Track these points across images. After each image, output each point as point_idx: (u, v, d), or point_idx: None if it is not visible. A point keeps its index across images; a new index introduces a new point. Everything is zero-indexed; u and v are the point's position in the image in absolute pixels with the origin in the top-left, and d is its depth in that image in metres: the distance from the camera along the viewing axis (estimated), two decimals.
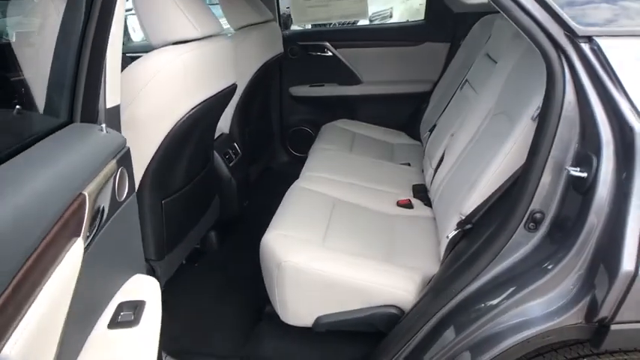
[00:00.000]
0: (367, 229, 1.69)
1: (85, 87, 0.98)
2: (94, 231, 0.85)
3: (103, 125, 0.97)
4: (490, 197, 1.32)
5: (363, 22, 3.36)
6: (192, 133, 1.63)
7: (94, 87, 0.99)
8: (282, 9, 2.91)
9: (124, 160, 0.98)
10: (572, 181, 1.04)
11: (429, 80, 2.79)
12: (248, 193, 2.42)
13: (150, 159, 1.45)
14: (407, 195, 1.98)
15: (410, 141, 2.66)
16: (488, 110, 1.68)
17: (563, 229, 1.07)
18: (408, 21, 3.83)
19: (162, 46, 1.48)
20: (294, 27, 3.07)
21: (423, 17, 2.86)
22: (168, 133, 1.45)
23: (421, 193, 2.00)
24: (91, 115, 0.99)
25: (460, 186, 1.53)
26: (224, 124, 2.24)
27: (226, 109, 2.13)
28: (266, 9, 2.50)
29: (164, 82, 1.39)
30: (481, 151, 1.54)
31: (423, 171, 2.19)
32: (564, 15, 1.00)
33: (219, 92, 1.66)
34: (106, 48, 1.00)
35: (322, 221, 1.68)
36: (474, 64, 2.09)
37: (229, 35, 2.23)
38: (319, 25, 3.08)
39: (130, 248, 1.08)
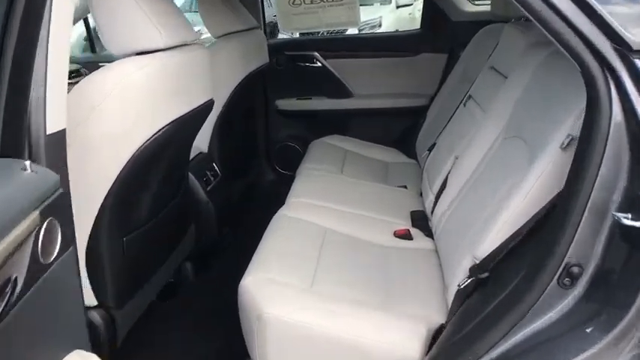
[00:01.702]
0: (361, 267, 1.48)
1: (4, 111, 0.75)
2: None
3: (27, 163, 0.75)
4: (509, 240, 1.11)
5: (354, 31, 3.18)
6: (161, 157, 1.41)
7: (17, 111, 0.77)
8: (268, 16, 2.71)
9: (55, 207, 0.76)
10: (620, 228, 0.84)
11: (426, 94, 2.60)
12: (229, 217, 2.20)
13: (106, 191, 1.23)
14: (405, 223, 1.77)
15: (405, 159, 2.46)
16: (499, 132, 1.48)
17: (609, 287, 0.87)
18: (397, 30, 3.67)
19: (125, 56, 1.26)
20: (282, 35, 2.87)
21: (418, 26, 2.69)
22: (130, 159, 1.23)
23: (420, 221, 1.79)
24: (12, 148, 0.77)
25: (470, 221, 1.32)
26: (202, 141, 2.02)
27: (204, 126, 1.92)
28: (250, 16, 2.29)
29: (123, 98, 1.17)
30: (493, 181, 1.34)
31: (421, 194, 1.99)
32: (615, 24, 0.80)
33: (193, 110, 1.45)
34: (33, 60, 0.78)
35: (310, 259, 1.46)
36: (478, 78, 1.90)
37: (208, 45, 2.02)
38: (308, 33, 2.88)
39: (66, 318, 0.85)
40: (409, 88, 2.63)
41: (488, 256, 1.14)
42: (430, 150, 2.04)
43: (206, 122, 1.88)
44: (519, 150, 1.29)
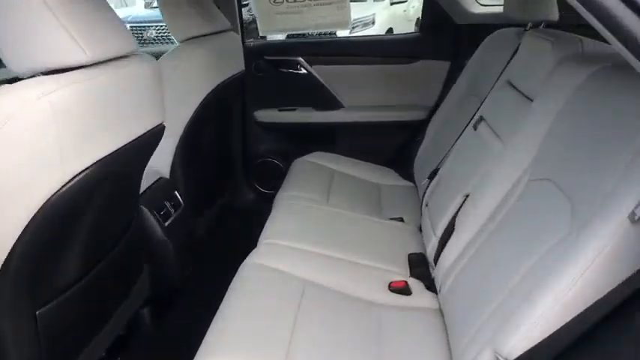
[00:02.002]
0: (348, 334, 1.18)
1: None
2: None
3: None
4: (553, 339, 0.81)
5: (344, 33, 2.86)
6: (90, 201, 1.09)
7: None
8: (246, 15, 2.39)
9: None
10: None
11: (424, 106, 2.29)
12: (197, 251, 1.89)
13: (6, 254, 0.91)
14: (402, 271, 1.47)
15: (400, 181, 2.15)
16: (523, 170, 1.18)
17: None
18: (392, 32, 3.35)
19: (31, 76, 0.94)
20: (263, 38, 2.54)
21: (413, 24, 2.37)
22: (38, 212, 0.91)
23: (420, 267, 1.49)
24: None
25: (487, 291, 1.02)
26: (161, 165, 1.70)
27: (164, 147, 1.61)
28: (222, 16, 1.97)
29: (19, 134, 0.85)
30: (519, 239, 1.03)
31: (420, 230, 1.69)
32: None
33: (133, 140, 1.13)
34: None
35: (283, 327, 1.15)
36: (490, 95, 1.59)
37: (163, 54, 1.70)
38: (292, 35, 2.56)
39: None
40: (406, 100, 2.32)
41: (521, 357, 0.84)
42: (431, 178, 1.74)
43: (166, 143, 1.58)
44: (554, 200, 0.98)
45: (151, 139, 1.22)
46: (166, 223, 1.59)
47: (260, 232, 1.63)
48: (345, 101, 2.36)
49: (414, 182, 2.09)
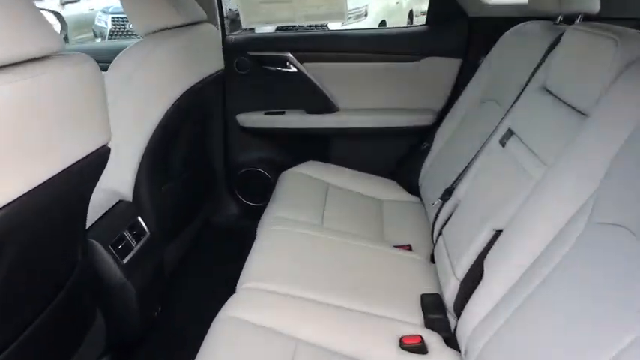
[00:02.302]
0: None
1: None
2: None
3: None
4: None
5: (337, 26, 2.56)
6: (6, 246, 0.80)
7: None
8: (229, 6, 2.08)
9: None
10: None
11: (431, 110, 2.01)
12: (168, 286, 1.61)
13: None
14: (414, 317, 1.20)
15: (404, 195, 1.88)
16: (579, 207, 0.90)
17: None
18: (382, 24, 3.06)
19: None
20: (247, 31, 2.24)
21: (406, 17, 2.08)
22: None
23: (437, 314, 1.21)
24: None
25: None
26: (121, 185, 1.41)
27: (122, 163, 1.33)
28: (196, 5, 1.67)
29: None
30: (587, 307, 0.76)
31: (432, 259, 1.42)
32: None
33: (68, 167, 0.84)
34: None
35: None
36: (519, 104, 1.31)
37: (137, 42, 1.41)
38: (280, 28, 2.26)
39: None
40: (410, 103, 2.03)
41: None
42: (444, 199, 1.46)
43: (127, 157, 1.30)
44: (633, 254, 0.72)
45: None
46: (126, 260, 1.30)
47: (246, 254, 1.36)
48: (341, 104, 2.07)
49: (420, 197, 1.82)
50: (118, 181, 1.40)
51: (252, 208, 2.22)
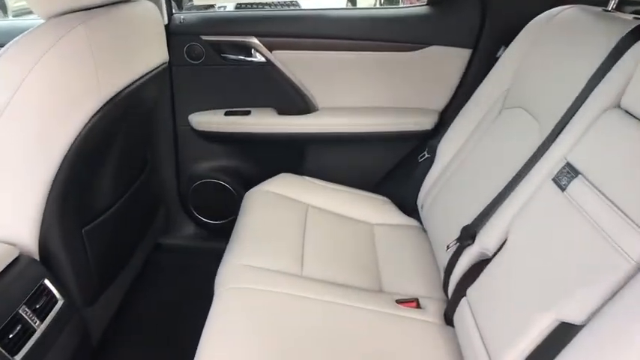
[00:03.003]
0: None
1: None
2: None
3: None
4: None
5: (312, 3, 2.12)
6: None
7: None
8: None
9: None
10: None
11: (431, 111, 1.65)
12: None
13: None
14: None
15: (398, 217, 1.51)
16: None
17: None
18: (384, 4, 2.61)
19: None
20: (201, 8, 1.79)
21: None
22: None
23: None
24: None
25: None
26: (20, 235, 0.99)
27: (18, 208, 0.94)
28: None
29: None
30: None
31: (446, 320, 1.08)
32: None
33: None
34: None
35: None
36: (577, 126, 0.95)
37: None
38: (241, 6, 1.81)
39: None
40: (406, 101, 1.65)
41: None
42: (464, 244, 1.10)
43: (25, 197, 0.91)
44: None
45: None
46: (20, 356, 0.89)
47: (205, 295, 1.09)
48: (320, 103, 1.67)
49: (419, 219, 1.47)
50: (13, 228, 0.99)
51: (211, 227, 1.82)
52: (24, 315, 0.92)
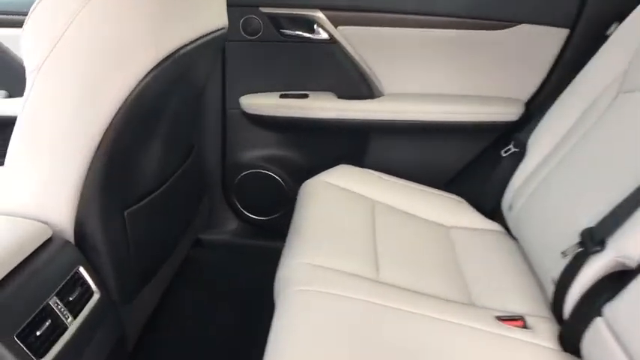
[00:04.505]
0: None
1: None
2: None
3: None
4: None
5: None
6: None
7: None
8: None
9: None
10: None
11: (516, 100, 1.44)
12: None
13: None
14: None
15: (478, 220, 1.31)
16: None
17: None
18: None
19: None
20: None
21: None
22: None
23: None
24: None
25: None
26: (54, 213, 0.83)
27: (53, 182, 0.76)
28: None
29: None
30: None
31: (563, 341, 0.87)
32: None
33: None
34: None
35: None
36: None
37: None
38: None
39: None
40: (488, 88, 1.45)
41: None
42: (591, 250, 0.89)
43: (62, 170, 0.75)
44: None
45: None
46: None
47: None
48: (387, 87, 1.49)
49: (501, 221, 1.27)
50: (47, 204, 0.82)
51: (257, 223, 1.65)
52: (55, 308, 0.75)
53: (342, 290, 0.91)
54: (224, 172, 1.59)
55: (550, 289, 0.96)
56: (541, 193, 1.13)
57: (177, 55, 0.89)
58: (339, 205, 1.24)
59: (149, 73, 0.82)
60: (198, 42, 0.98)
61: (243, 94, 1.51)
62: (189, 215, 1.35)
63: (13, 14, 1.60)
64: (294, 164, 1.56)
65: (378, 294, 0.92)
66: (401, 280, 1.01)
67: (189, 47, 0.92)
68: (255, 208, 1.63)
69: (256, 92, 1.51)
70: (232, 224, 1.65)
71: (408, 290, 0.98)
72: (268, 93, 1.50)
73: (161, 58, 0.82)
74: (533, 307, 0.99)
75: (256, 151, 1.57)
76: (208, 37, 1.03)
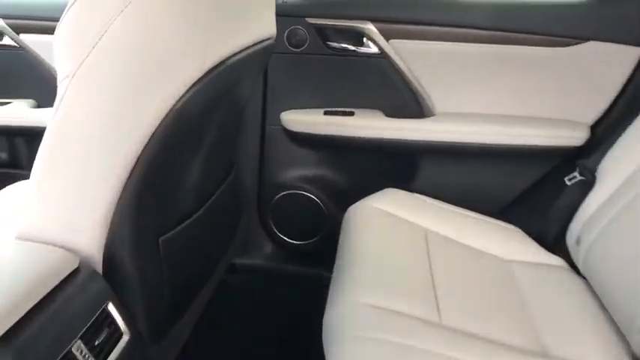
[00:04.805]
0: None
1: None
2: None
3: None
4: None
5: None
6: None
7: None
8: None
9: None
10: None
11: (581, 123, 1.33)
12: None
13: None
14: None
15: (541, 254, 1.19)
16: None
17: None
18: None
19: None
20: None
21: None
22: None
23: None
24: None
25: None
26: (82, 239, 0.74)
27: (82, 204, 0.67)
28: None
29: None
30: None
31: None
32: None
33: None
34: None
35: None
36: None
37: None
38: None
39: None
40: (550, 110, 1.34)
41: None
42: None
43: (94, 192, 0.65)
44: None
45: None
46: None
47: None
48: (439, 105, 1.39)
49: (567, 257, 1.15)
50: (73, 231, 0.74)
51: (293, 247, 1.55)
52: (78, 355, 0.65)
53: (406, 338, 0.80)
54: (260, 191, 1.50)
55: (636, 338, 0.84)
56: (619, 228, 1.01)
57: (224, 65, 0.80)
58: (390, 234, 1.13)
59: (195, 84, 0.73)
60: (247, 52, 0.90)
61: (285, 110, 1.42)
62: (227, 239, 1.26)
63: (44, 20, 1.55)
64: (335, 186, 1.47)
65: (447, 343, 0.82)
66: (466, 324, 0.90)
67: (237, 57, 0.84)
68: (292, 231, 1.53)
69: (298, 108, 1.42)
70: (266, 247, 1.56)
71: (476, 337, 0.87)
72: (311, 109, 1.41)
73: (207, 69, 0.74)
74: (616, 359, 0.87)
75: (295, 171, 1.48)
76: (257, 47, 0.95)
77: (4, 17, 1.59)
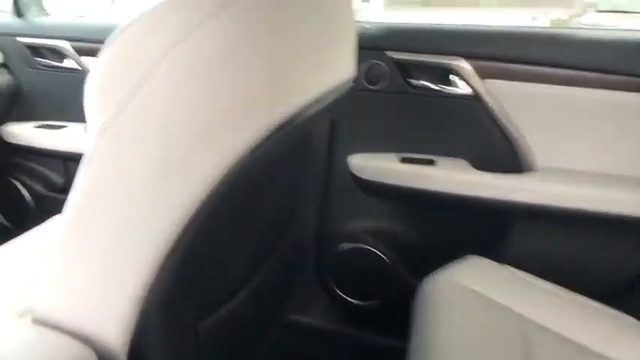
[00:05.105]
0: None
1: None
2: None
3: None
4: None
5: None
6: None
7: None
8: None
9: None
10: None
11: None
12: None
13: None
14: None
15: None
16: None
17: None
18: None
19: None
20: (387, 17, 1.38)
21: None
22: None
23: None
24: None
25: None
26: (107, 330, 0.58)
27: (110, 287, 0.49)
28: None
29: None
30: None
31: None
32: None
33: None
34: None
35: None
36: None
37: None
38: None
39: None
40: None
41: None
42: None
43: (124, 273, 0.48)
44: None
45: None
46: None
47: None
48: (541, 159, 1.16)
49: None
50: (93, 320, 0.58)
51: (350, 306, 1.35)
52: None
53: None
54: (319, 243, 1.32)
55: None
56: None
57: (294, 122, 0.63)
58: (479, 321, 0.91)
59: (259, 144, 0.56)
60: (324, 100, 0.72)
61: (353, 153, 1.24)
62: (281, 302, 1.09)
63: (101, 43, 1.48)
64: (405, 243, 1.26)
65: None
66: None
67: (313, 108, 0.67)
68: (353, 289, 1.33)
69: (369, 152, 1.24)
70: (323, 305, 1.37)
71: None
72: (384, 154, 1.23)
73: (277, 125, 0.57)
74: None
75: (361, 222, 1.29)
76: (335, 92, 0.77)
77: (69, 39, 1.55)
